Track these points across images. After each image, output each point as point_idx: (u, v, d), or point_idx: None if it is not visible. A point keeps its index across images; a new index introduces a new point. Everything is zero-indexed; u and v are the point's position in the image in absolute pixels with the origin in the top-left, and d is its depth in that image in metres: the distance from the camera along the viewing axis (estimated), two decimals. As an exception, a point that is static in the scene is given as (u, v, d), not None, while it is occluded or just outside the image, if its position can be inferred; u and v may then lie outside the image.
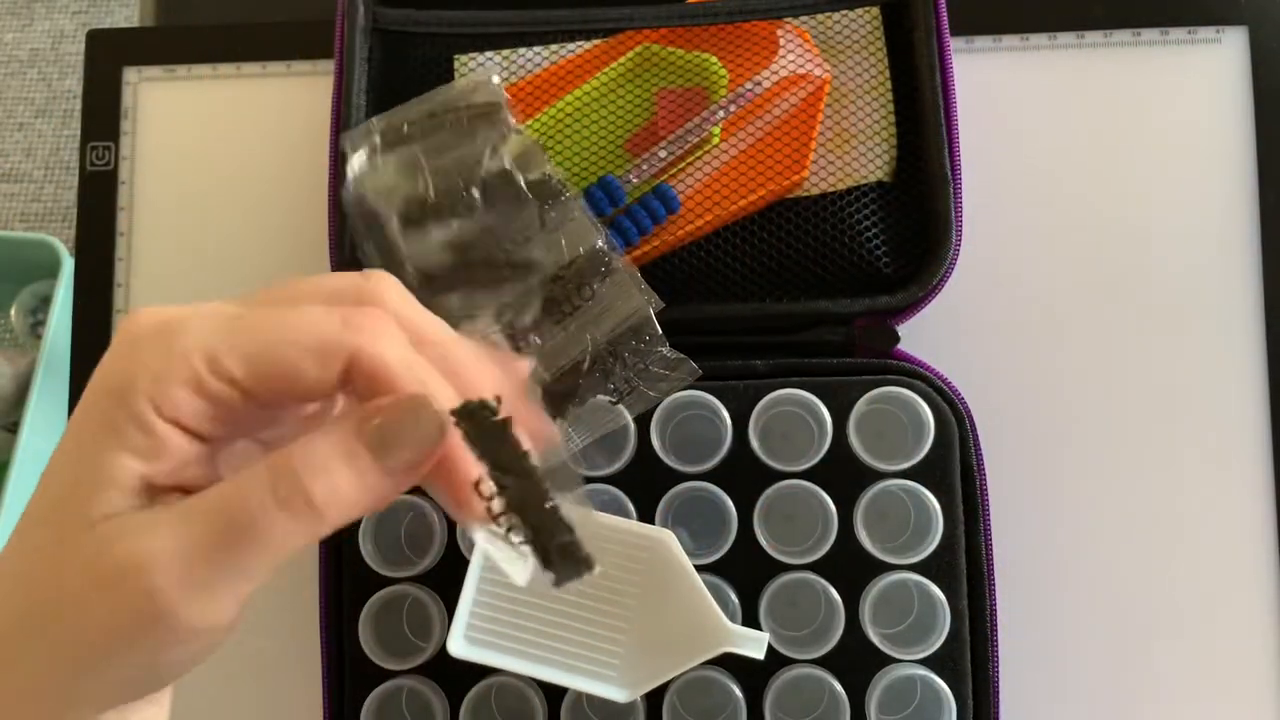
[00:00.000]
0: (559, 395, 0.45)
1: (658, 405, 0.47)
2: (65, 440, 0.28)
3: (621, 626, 0.42)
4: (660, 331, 0.47)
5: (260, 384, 0.27)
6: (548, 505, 0.28)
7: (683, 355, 0.47)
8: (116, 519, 0.26)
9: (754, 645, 0.42)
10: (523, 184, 0.48)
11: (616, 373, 0.46)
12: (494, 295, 0.47)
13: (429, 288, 0.47)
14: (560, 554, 0.29)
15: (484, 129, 0.49)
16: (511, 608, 0.42)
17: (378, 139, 0.50)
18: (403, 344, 0.28)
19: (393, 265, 0.47)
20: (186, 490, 0.27)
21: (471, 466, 0.28)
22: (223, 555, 0.26)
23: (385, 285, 0.29)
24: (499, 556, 0.30)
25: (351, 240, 0.50)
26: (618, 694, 0.41)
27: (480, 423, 0.27)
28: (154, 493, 0.27)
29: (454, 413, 0.27)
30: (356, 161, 0.49)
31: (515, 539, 0.28)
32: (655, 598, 0.42)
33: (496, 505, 0.28)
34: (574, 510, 0.29)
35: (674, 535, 0.42)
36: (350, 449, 0.27)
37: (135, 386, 0.26)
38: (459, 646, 0.42)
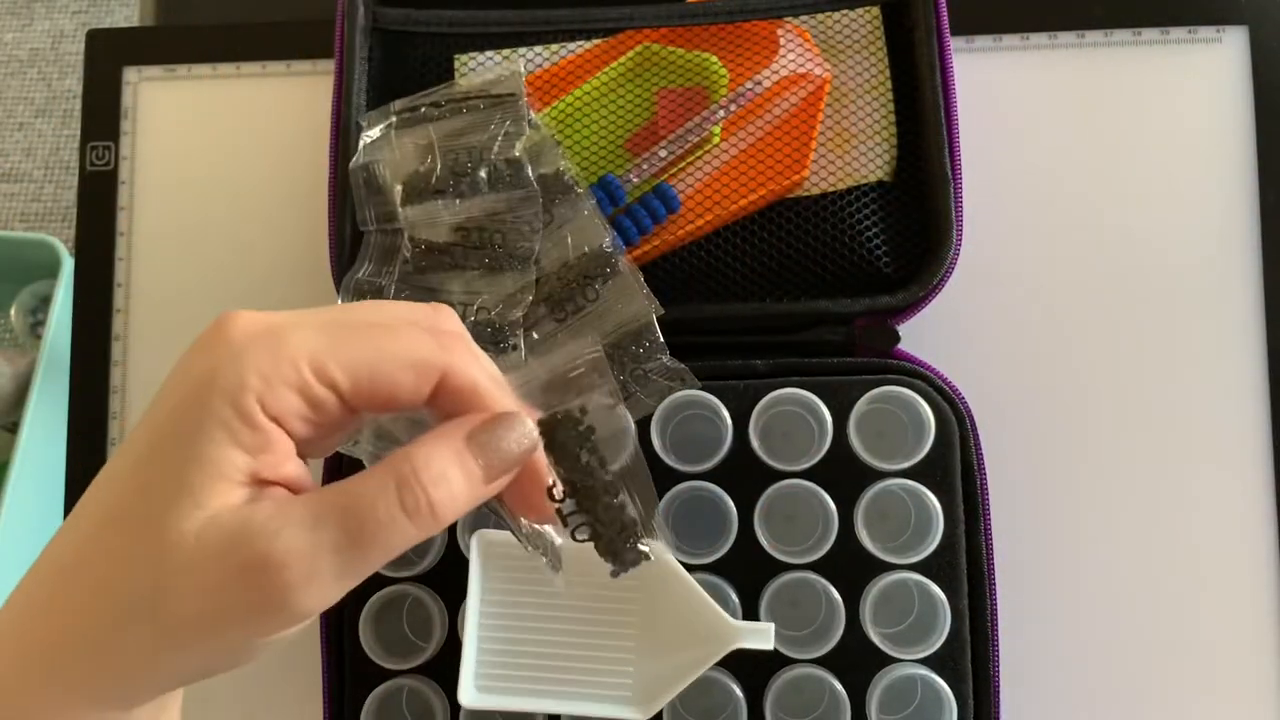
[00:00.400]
0: (554, 395, 0.45)
1: (654, 411, 0.47)
2: (159, 434, 0.28)
3: (628, 645, 0.42)
4: (662, 339, 0.47)
5: (360, 392, 0.29)
6: (615, 502, 0.33)
7: (682, 365, 0.47)
8: (242, 512, 0.28)
9: (760, 637, 0.42)
10: (531, 175, 0.48)
11: (614, 377, 0.46)
12: (491, 283, 0.47)
13: (425, 262, 0.47)
14: (624, 545, 0.34)
15: (500, 117, 0.50)
16: (516, 648, 0.42)
17: (394, 118, 0.50)
18: (483, 364, 0.31)
19: (391, 234, 0.48)
20: (283, 485, 0.29)
21: (544, 472, 0.33)
22: (348, 556, 0.28)
23: (454, 316, 0.33)
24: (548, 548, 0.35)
25: (352, 207, 0.51)
26: (634, 713, 0.41)
27: (565, 431, 0.32)
28: (260, 486, 0.29)
29: (541, 423, 0.32)
30: (370, 135, 0.49)
31: (580, 536, 0.33)
32: (656, 610, 0.42)
33: (568, 506, 0.33)
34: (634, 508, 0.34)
35: (664, 545, 0.42)
36: (463, 459, 0.30)
37: (246, 385, 0.28)
38: (470, 697, 0.42)
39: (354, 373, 0.29)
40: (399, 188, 0.48)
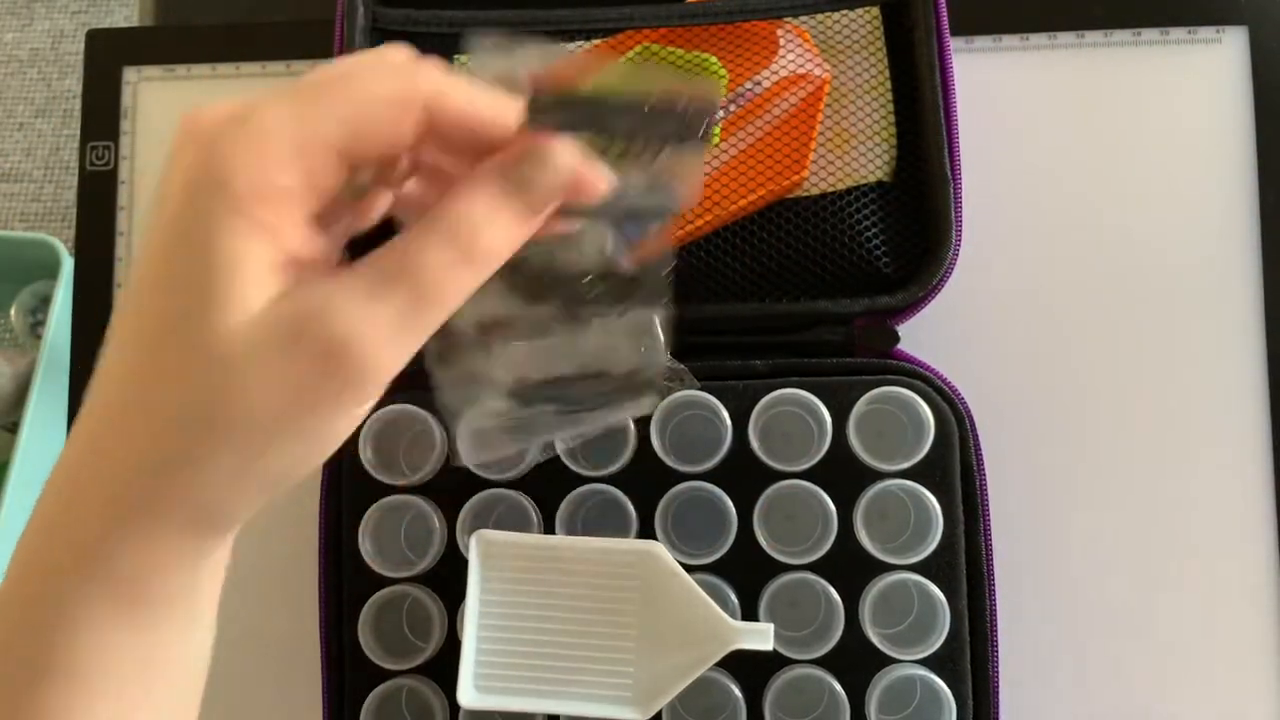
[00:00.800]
0: (553, 394, 0.45)
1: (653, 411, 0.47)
2: (169, 249, 0.27)
3: (627, 645, 0.42)
4: (663, 339, 0.47)
5: (349, 146, 0.28)
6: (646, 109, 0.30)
7: (682, 365, 0.47)
8: (295, 298, 0.27)
9: (759, 638, 0.42)
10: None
11: (615, 379, 0.46)
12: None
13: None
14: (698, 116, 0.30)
15: None
16: (516, 648, 0.42)
17: None
18: (467, 85, 0.30)
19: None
20: (315, 261, 0.29)
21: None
22: (412, 317, 0.28)
23: (412, 53, 0.30)
24: None
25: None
26: (634, 713, 0.41)
27: (559, 98, 0.29)
28: (292, 269, 0.28)
29: (532, 104, 0.29)
30: None
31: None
32: (654, 610, 0.42)
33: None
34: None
35: (661, 545, 0.42)
36: (505, 198, 0.29)
37: (238, 170, 0.27)
38: (469, 697, 0.42)
39: (336, 129, 0.28)
40: None
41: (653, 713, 0.41)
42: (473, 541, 0.42)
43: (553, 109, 0.29)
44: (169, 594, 0.29)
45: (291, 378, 0.27)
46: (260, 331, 0.27)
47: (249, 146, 0.27)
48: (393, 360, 0.28)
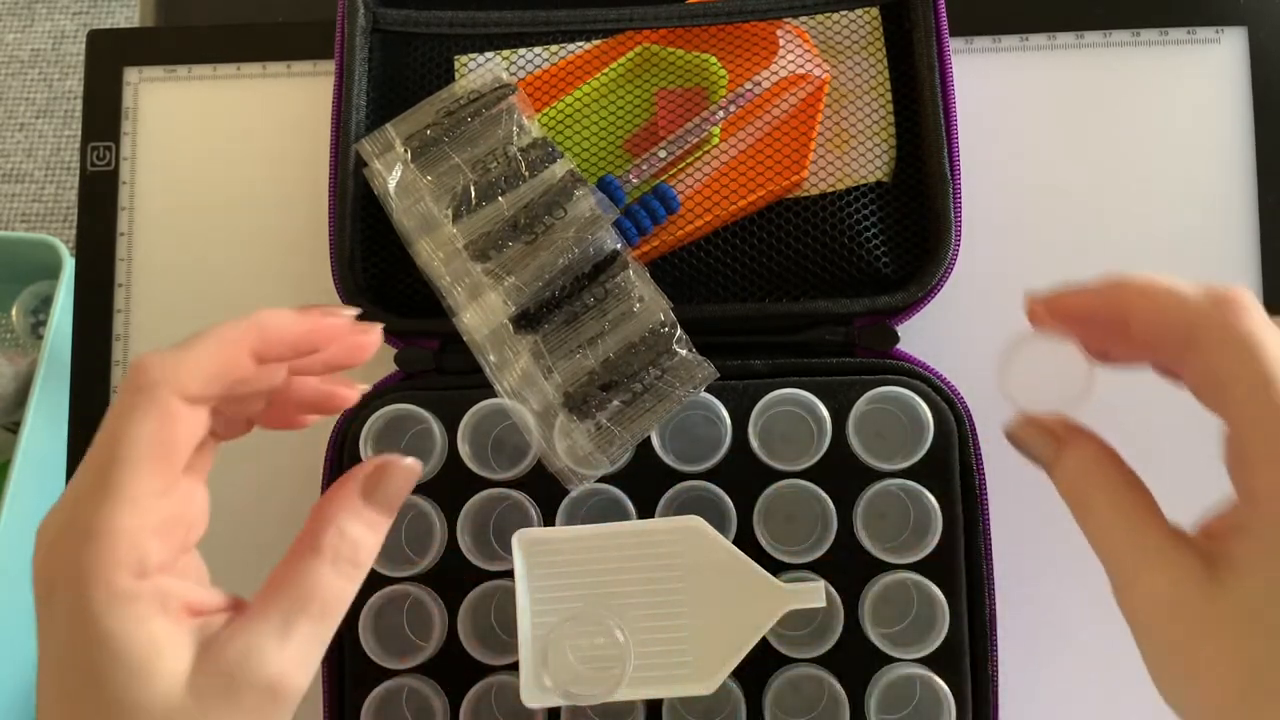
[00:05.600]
0: (578, 400, 0.46)
1: (676, 407, 0.47)
2: (75, 654, 0.30)
3: (680, 623, 0.42)
4: (680, 331, 0.48)
5: (161, 483, 0.31)
6: None
7: (702, 358, 0.47)
8: (224, 648, 0.31)
9: (812, 596, 0.42)
10: (557, 149, 0.51)
11: (639, 373, 0.47)
12: (535, 254, 0.48)
13: (484, 261, 0.48)
14: None
15: (503, 110, 0.51)
16: (571, 641, 0.42)
17: (402, 148, 0.50)
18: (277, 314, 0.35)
19: (450, 256, 0.48)
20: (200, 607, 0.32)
21: None
22: (325, 633, 0.33)
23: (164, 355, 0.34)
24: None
25: (351, 209, 0.52)
26: (700, 688, 0.42)
27: None
28: (190, 616, 0.32)
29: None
30: (393, 177, 0.50)
31: None
32: (702, 583, 0.42)
33: None
34: None
35: (700, 519, 0.43)
36: (367, 516, 0.35)
37: (102, 571, 0.30)
38: (533, 698, 0.42)
39: (145, 484, 0.31)
40: (449, 214, 0.49)
41: (718, 684, 0.42)
42: (514, 542, 0.42)
43: None
44: None
45: (245, 711, 0.30)
46: (203, 692, 0.30)
47: (126, 545, 0.30)
48: (312, 673, 0.32)
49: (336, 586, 0.33)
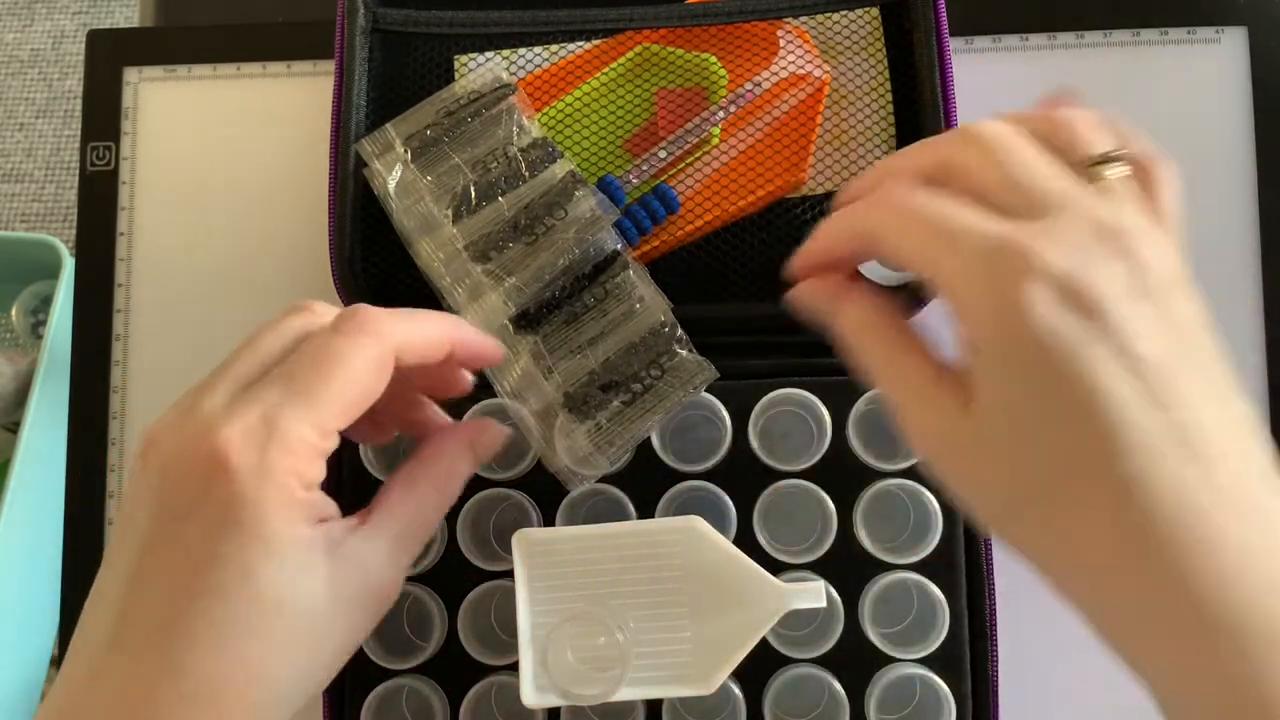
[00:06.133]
0: (579, 400, 0.46)
1: (676, 408, 0.47)
2: (222, 560, 0.31)
3: (681, 623, 0.42)
4: (681, 331, 0.48)
5: (355, 416, 0.34)
6: None
7: (704, 358, 0.47)
8: (348, 555, 0.34)
9: (812, 597, 0.42)
10: (557, 149, 0.51)
11: (639, 373, 0.47)
12: (535, 255, 0.48)
13: (484, 262, 0.48)
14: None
15: (503, 111, 0.51)
16: (571, 641, 0.42)
17: (402, 148, 0.50)
18: (413, 322, 0.37)
19: (451, 256, 0.48)
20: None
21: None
22: (412, 553, 0.37)
23: (353, 312, 0.36)
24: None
25: (351, 209, 0.52)
26: (699, 689, 0.42)
27: None
28: (318, 534, 0.34)
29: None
30: (393, 177, 0.50)
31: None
32: (702, 583, 0.42)
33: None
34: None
35: (700, 519, 0.43)
36: (469, 459, 0.40)
37: (286, 486, 0.32)
38: (533, 698, 0.42)
39: (343, 411, 0.34)
40: (449, 214, 0.49)
41: (717, 685, 0.42)
42: (514, 542, 0.42)
43: None
44: None
45: (361, 626, 0.35)
46: (338, 596, 0.33)
47: (285, 467, 0.32)
48: (402, 586, 0.37)
49: (434, 517, 0.38)
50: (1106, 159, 0.32)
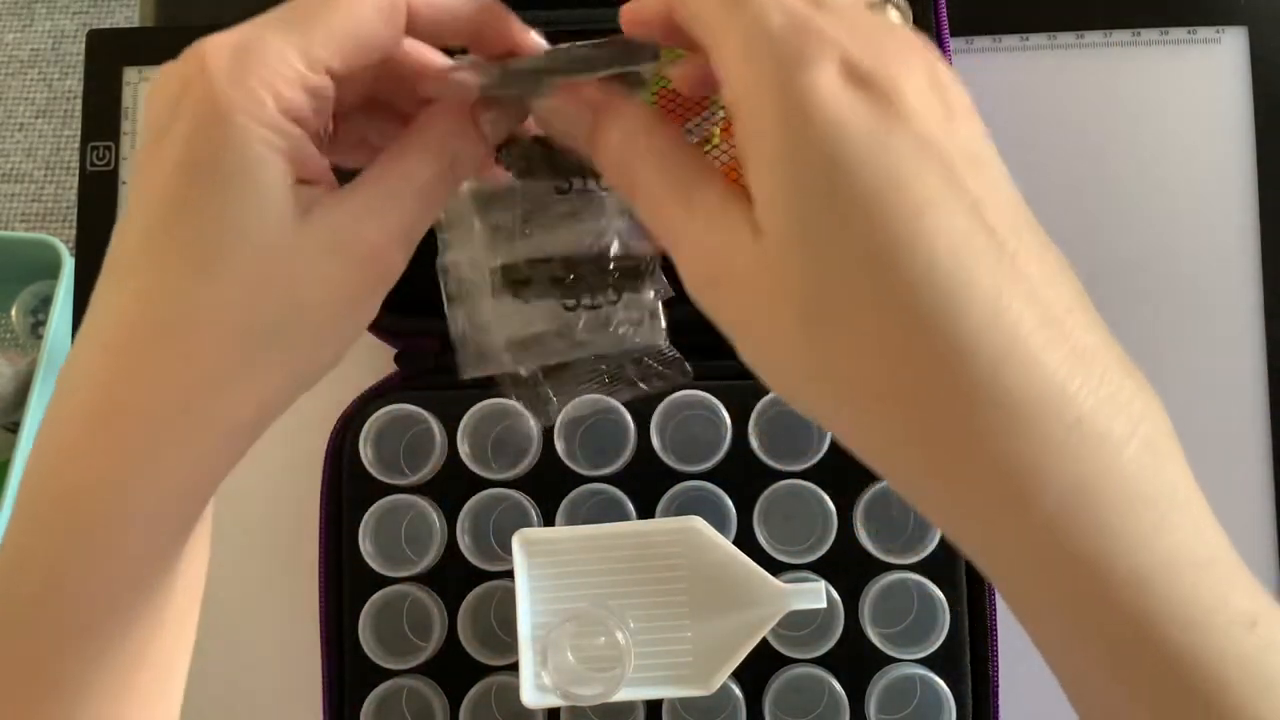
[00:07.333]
0: (550, 366, 0.45)
1: (650, 399, 0.47)
2: (192, 170, 0.28)
3: (681, 623, 0.42)
4: (664, 325, 0.47)
5: (349, 62, 0.30)
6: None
7: (679, 355, 0.47)
8: (340, 211, 0.30)
9: (812, 598, 0.42)
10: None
11: (612, 355, 0.46)
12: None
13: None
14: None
15: None
16: (572, 641, 0.42)
17: None
18: None
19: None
20: (320, 178, 0.31)
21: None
22: (423, 223, 0.32)
23: None
24: None
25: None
26: (698, 689, 0.41)
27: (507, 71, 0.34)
28: (306, 189, 0.30)
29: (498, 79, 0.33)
30: None
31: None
32: (702, 584, 0.42)
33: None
34: None
35: (700, 519, 0.43)
36: (474, 134, 0.33)
37: (258, 97, 0.28)
38: (533, 698, 0.42)
39: (338, 48, 0.30)
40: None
41: (717, 685, 0.42)
42: (514, 542, 0.42)
43: (508, 81, 0.33)
44: (195, 512, 0.31)
45: (339, 281, 0.29)
46: (308, 239, 0.29)
47: (273, 74, 0.29)
48: (406, 258, 0.31)
49: (432, 181, 0.32)
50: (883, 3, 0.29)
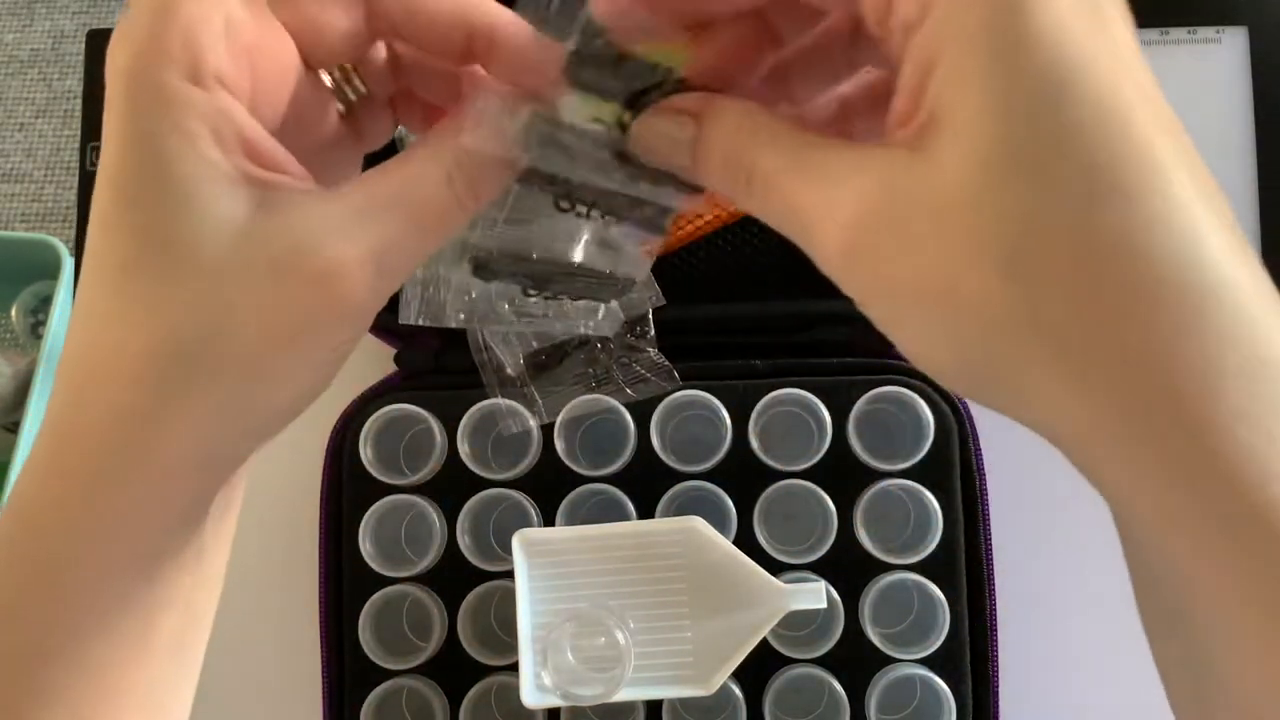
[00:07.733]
0: (537, 366, 0.45)
1: (650, 399, 0.47)
2: (126, 162, 0.24)
3: (682, 623, 0.42)
4: (653, 332, 0.47)
5: (301, 32, 0.26)
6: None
7: (668, 364, 0.47)
8: (286, 219, 0.24)
9: (812, 598, 0.42)
10: None
11: (600, 359, 0.46)
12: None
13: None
14: None
15: None
16: (572, 641, 0.42)
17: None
18: None
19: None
20: (279, 172, 0.26)
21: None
22: (409, 253, 0.26)
23: None
24: None
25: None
26: (699, 689, 0.41)
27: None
28: (255, 184, 0.25)
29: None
30: None
31: None
32: (702, 584, 0.42)
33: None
34: None
35: (700, 519, 0.43)
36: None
37: (173, 74, 0.24)
38: (532, 698, 0.42)
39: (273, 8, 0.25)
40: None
41: (717, 685, 0.42)
42: (514, 542, 0.42)
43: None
44: (169, 545, 0.27)
45: (276, 306, 0.24)
46: (243, 252, 0.24)
47: (181, 40, 0.24)
48: (383, 289, 0.26)
49: (441, 197, 0.26)
50: None
